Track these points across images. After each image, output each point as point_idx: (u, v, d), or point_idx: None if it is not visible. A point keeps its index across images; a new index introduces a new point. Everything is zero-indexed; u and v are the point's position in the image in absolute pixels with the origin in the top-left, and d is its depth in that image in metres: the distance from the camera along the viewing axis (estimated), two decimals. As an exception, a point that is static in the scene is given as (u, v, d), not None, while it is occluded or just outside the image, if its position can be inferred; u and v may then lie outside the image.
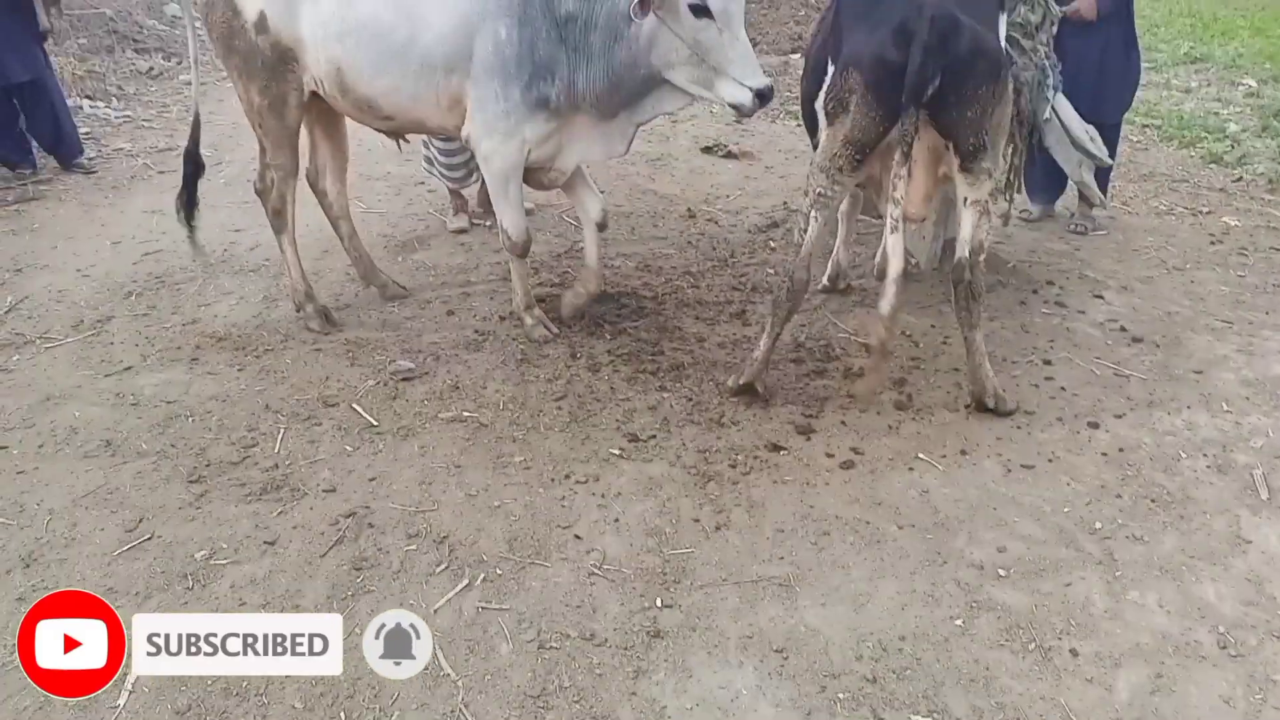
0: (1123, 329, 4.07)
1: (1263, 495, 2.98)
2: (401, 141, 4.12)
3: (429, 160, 5.19)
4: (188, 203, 4.00)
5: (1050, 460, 3.17)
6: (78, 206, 5.62)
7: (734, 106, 3.26)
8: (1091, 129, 4.13)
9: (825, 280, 4.37)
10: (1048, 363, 3.81)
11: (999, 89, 3.03)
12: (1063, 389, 3.61)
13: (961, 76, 2.90)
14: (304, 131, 3.94)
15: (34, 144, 6.17)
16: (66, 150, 6.22)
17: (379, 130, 3.89)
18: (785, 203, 5.57)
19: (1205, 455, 3.19)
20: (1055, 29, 4.10)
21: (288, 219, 3.95)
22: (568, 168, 3.72)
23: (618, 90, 3.43)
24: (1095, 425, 3.36)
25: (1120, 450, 3.22)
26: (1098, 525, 2.85)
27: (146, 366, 3.78)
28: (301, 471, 3.10)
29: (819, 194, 3.22)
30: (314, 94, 3.72)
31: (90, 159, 6.39)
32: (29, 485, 3.03)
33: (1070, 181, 4.88)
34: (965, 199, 3.19)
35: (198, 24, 3.94)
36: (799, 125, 7.37)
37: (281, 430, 3.32)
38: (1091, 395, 3.56)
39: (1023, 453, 3.21)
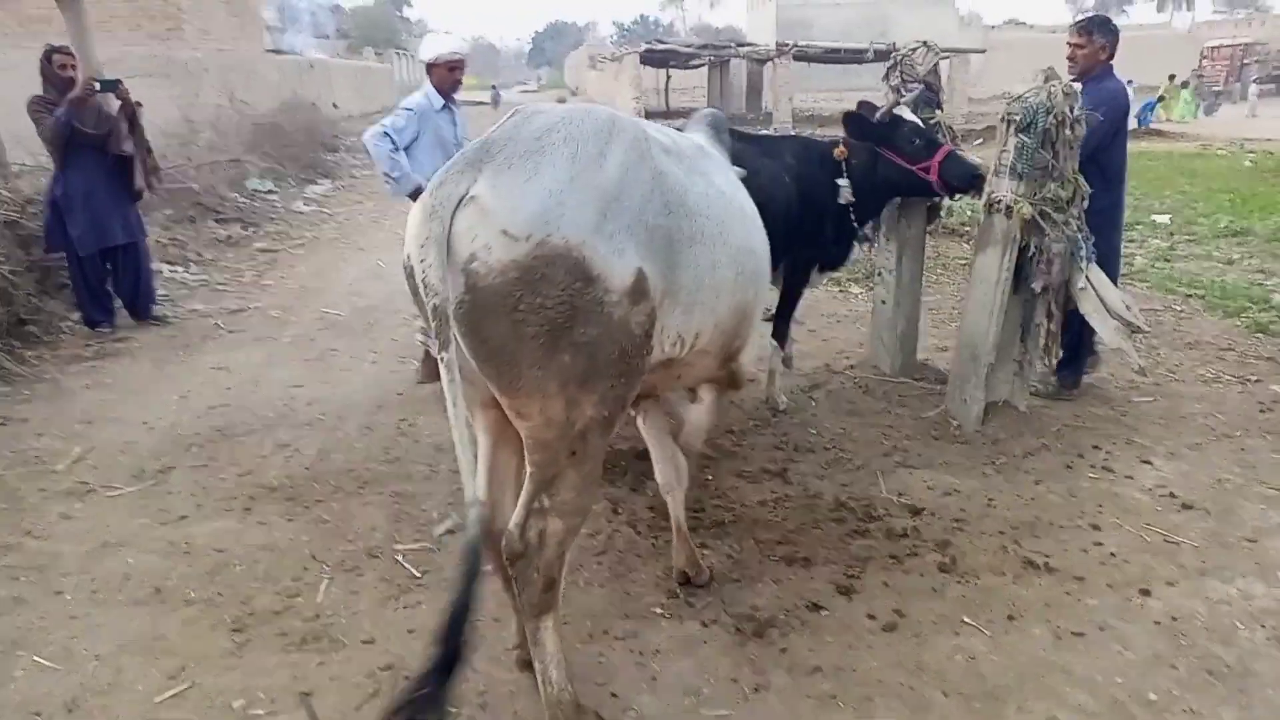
0: (1172, 495, 4.00)
1: (1328, 671, 2.85)
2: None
3: (421, 326, 5.26)
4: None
5: (1101, 628, 3.08)
6: (150, 363, 5.93)
7: None
8: (1128, 297, 4.22)
9: None
10: (1096, 528, 3.74)
11: None
12: (1112, 555, 3.54)
13: None
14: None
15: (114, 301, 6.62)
16: (143, 304, 6.67)
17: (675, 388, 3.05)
18: (826, 365, 5.67)
19: (1263, 626, 3.07)
20: (1086, 203, 4.25)
21: (559, 592, 2.49)
22: None
23: None
24: (1147, 593, 3.27)
25: (1174, 619, 3.12)
26: (1152, 697, 2.74)
27: (201, 516, 3.90)
28: (342, 622, 3.12)
29: None
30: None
31: (164, 316, 6.80)
32: (79, 630, 3.09)
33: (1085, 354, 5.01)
34: None
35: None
36: (841, 291, 7.58)
37: (325, 581, 3.38)
38: (1142, 562, 3.48)
39: (1073, 619, 3.12)
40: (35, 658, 2.93)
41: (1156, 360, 5.81)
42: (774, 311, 4.93)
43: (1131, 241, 9.29)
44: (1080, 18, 5.02)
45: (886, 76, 4.69)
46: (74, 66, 6.14)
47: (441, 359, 2.07)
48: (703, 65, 29.88)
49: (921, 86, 4.70)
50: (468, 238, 2.08)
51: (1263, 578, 3.36)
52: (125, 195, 6.49)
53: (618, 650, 2.95)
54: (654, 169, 2.37)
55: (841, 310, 7.04)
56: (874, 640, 3.02)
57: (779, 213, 4.43)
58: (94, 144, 6.18)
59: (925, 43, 4.56)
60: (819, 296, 7.36)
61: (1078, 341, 4.94)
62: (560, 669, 2.47)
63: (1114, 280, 4.49)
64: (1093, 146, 4.16)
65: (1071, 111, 3.91)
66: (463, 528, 3.69)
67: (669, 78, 31.07)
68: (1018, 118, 3.97)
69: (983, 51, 27.44)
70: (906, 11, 36.50)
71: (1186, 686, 2.79)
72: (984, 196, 4.33)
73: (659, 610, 3.17)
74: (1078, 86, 4.19)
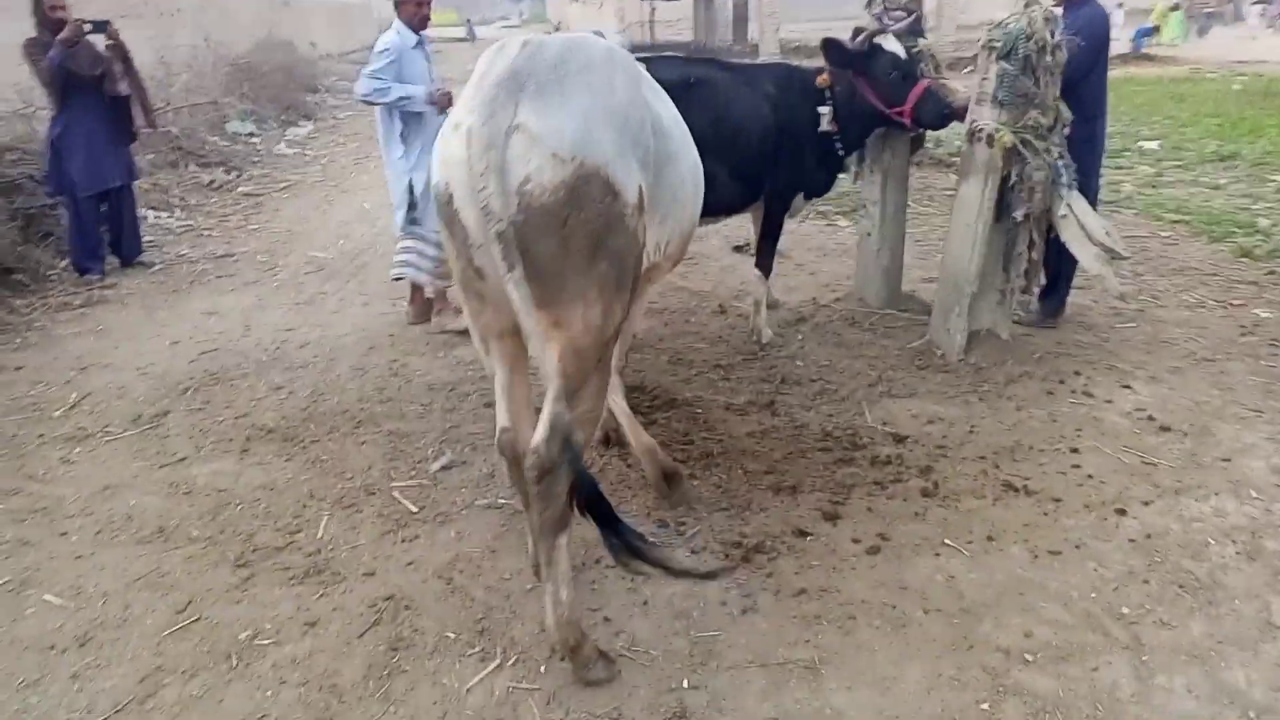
0: (1151, 418, 4.10)
1: (1295, 582, 2.97)
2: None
3: (411, 261, 5.22)
4: None
5: (1077, 547, 3.19)
6: (140, 309, 5.94)
7: None
8: (1109, 224, 4.24)
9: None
10: (1075, 451, 3.83)
11: None
12: (1090, 476, 3.64)
13: None
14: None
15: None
16: (130, 248, 6.69)
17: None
18: (814, 298, 5.72)
19: (1234, 542, 3.18)
20: (1068, 130, 4.25)
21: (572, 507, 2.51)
22: None
23: None
24: (1122, 512, 3.38)
25: (1148, 537, 3.23)
26: (1125, 611, 2.85)
27: (200, 458, 3.96)
28: (343, 556, 3.22)
29: None
30: None
31: (151, 262, 6.81)
32: (86, 569, 3.18)
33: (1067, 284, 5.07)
34: None
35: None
36: (828, 225, 7.59)
37: (325, 517, 3.46)
38: (1119, 482, 3.58)
39: (1049, 539, 3.23)
40: (45, 596, 3.02)
41: (1141, 286, 5.87)
42: (757, 241, 4.96)
43: (1119, 168, 9.28)
44: None
45: (869, 5, 4.64)
46: (64, 8, 6.09)
47: (508, 280, 2.22)
48: (688, -4, 29.27)
49: (908, 16, 4.66)
50: (521, 162, 2.23)
51: (1235, 495, 3.47)
52: (120, 136, 6.51)
53: (610, 577, 3.05)
54: (643, 96, 2.56)
55: (829, 244, 7.06)
56: (858, 563, 3.12)
57: (758, 139, 4.44)
58: (89, 85, 6.19)
59: (907, -31, 4.51)
60: (806, 230, 7.38)
61: (1059, 270, 4.99)
62: (571, 589, 2.58)
63: (1094, 207, 4.52)
64: (1071, 75, 4.15)
65: (1052, 37, 3.90)
66: (457, 464, 3.80)
67: (654, 10, 30.44)
68: (998, 45, 3.95)
69: (973, -24, 26.92)
70: (896, -64, 35.55)
71: (1158, 600, 2.91)
72: (966, 125, 4.34)
73: (650, 538, 3.25)
74: (1059, 12, 4.16)
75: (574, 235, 2.27)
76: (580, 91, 2.33)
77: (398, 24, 5.06)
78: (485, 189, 2.19)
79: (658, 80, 4.24)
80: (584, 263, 2.30)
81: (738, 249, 6.66)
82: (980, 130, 4.18)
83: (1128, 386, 4.43)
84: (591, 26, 30.50)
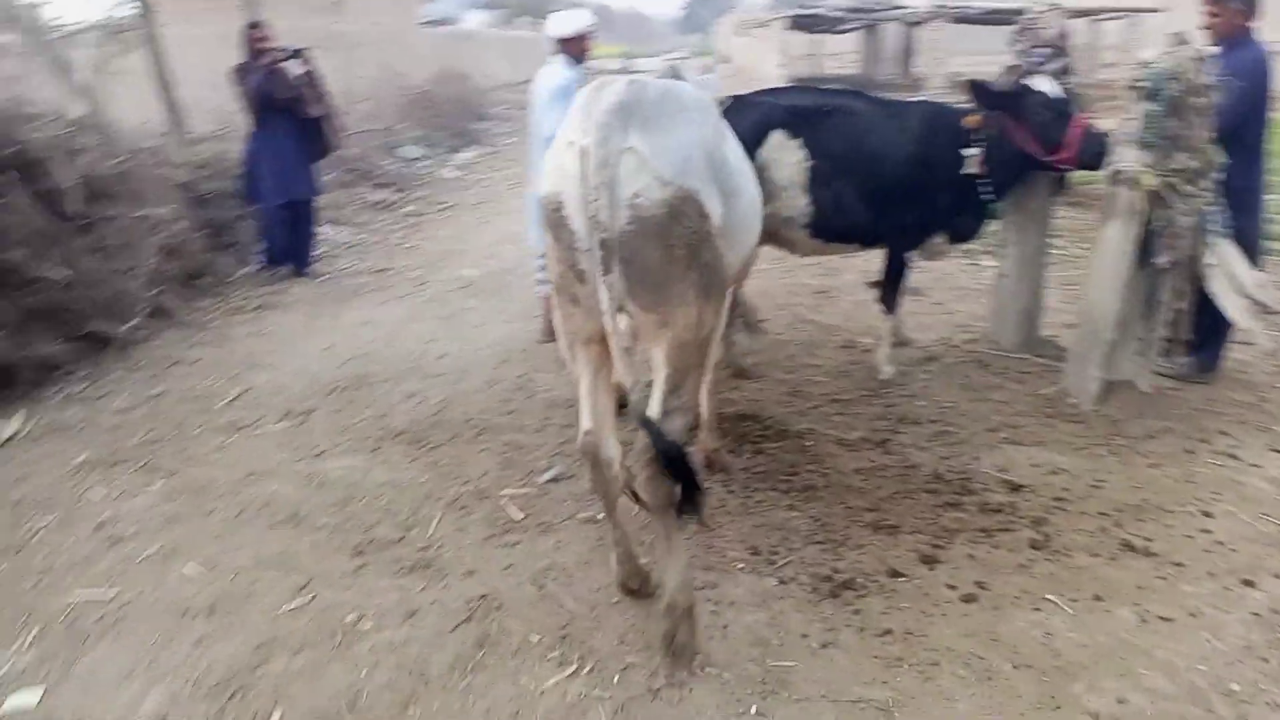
0: (1301, 486, 3.80)
1: None
2: None
3: None
4: None
5: (1193, 615, 3.00)
6: (303, 315, 6.45)
7: None
8: (1261, 276, 3.98)
9: None
10: (1207, 514, 3.60)
11: None
12: (1220, 542, 3.41)
13: None
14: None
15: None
16: (303, 258, 7.39)
17: None
18: (946, 338, 5.59)
19: (1375, 625, 2.92)
20: (1222, 175, 4.02)
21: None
22: None
23: None
24: (1250, 583, 3.15)
25: (1274, 611, 3.00)
26: (1235, 687, 2.67)
27: (336, 453, 4.28)
28: (448, 554, 3.41)
29: None
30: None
31: (319, 272, 7.43)
32: (224, 546, 3.51)
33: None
34: None
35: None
36: (971, 263, 7.38)
37: (438, 516, 3.68)
38: (1251, 551, 3.34)
39: (1163, 604, 3.06)
40: (185, 567, 3.35)
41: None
42: (881, 277, 4.92)
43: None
44: None
45: (1013, 44, 4.54)
46: (266, 39, 6.85)
47: (604, 282, 2.49)
48: (854, 30, 29.00)
49: (1053, 53, 4.54)
50: (632, 180, 2.54)
51: (1384, 576, 3.18)
52: (308, 154, 7.22)
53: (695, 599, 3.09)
54: (722, 137, 2.85)
55: (970, 283, 6.87)
56: (950, 609, 3.05)
57: (890, 174, 4.42)
58: (283, 107, 6.90)
59: (1054, 5, 4.38)
60: (949, 268, 7.20)
61: (1216, 323, 4.68)
62: (687, 574, 2.81)
63: (1255, 260, 4.24)
64: (1228, 117, 3.92)
65: (1202, 78, 3.70)
66: (565, 477, 3.94)
67: (819, 43, 30.31)
68: (1144, 85, 3.79)
69: (1155, 11, 25.45)
70: (1081, -32, 33.97)
71: (1276, 680, 2.71)
72: (1109, 167, 4.17)
73: (741, 565, 3.29)
74: (1212, 51, 3.95)
75: (675, 246, 2.58)
76: (680, 126, 2.67)
77: (566, 60, 5.25)
78: (597, 200, 2.46)
79: (792, 105, 4.46)
80: (682, 270, 2.61)
81: (872, 284, 6.57)
82: (1122, 172, 4.02)
83: (1278, 451, 4.12)
84: (757, 59, 30.70)
